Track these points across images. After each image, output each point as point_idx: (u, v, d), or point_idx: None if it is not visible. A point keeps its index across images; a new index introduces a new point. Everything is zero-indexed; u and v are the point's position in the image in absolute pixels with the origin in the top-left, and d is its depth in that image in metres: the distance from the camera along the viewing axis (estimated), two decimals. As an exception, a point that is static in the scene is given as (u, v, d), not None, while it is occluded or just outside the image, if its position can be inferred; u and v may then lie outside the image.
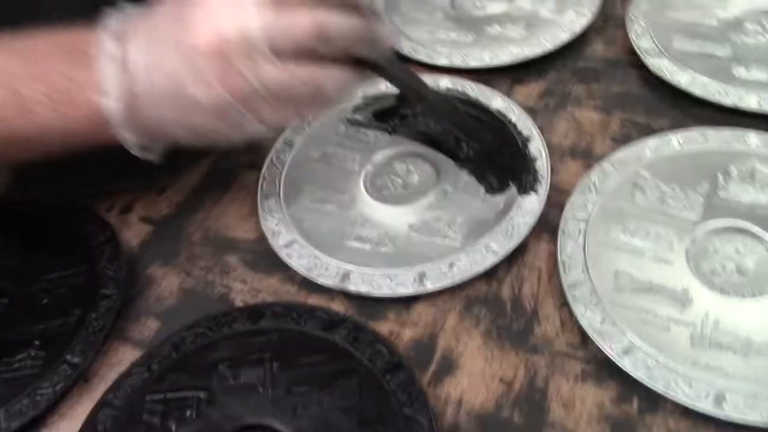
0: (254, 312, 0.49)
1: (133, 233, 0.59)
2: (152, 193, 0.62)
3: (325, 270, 0.52)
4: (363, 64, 0.47)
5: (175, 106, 0.44)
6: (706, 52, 0.62)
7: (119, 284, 0.52)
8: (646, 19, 0.65)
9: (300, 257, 0.53)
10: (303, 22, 0.42)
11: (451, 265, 0.51)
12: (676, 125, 0.58)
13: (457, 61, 0.66)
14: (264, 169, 0.60)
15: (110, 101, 0.43)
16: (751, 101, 0.56)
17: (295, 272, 0.53)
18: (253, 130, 0.45)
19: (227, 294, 0.53)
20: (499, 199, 0.55)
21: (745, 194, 0.51)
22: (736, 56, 0.61)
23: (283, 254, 0.53)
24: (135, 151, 0.47)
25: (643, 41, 0.63)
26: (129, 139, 0.46)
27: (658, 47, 0.62)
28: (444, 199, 0.55)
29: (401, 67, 0.52)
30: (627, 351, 0.44)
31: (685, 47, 0.62)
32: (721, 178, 0.52)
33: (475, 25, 0.70)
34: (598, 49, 0.66)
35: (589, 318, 0.46)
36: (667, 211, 0.51)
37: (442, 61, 0.66)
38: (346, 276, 0.51)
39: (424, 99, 0.54)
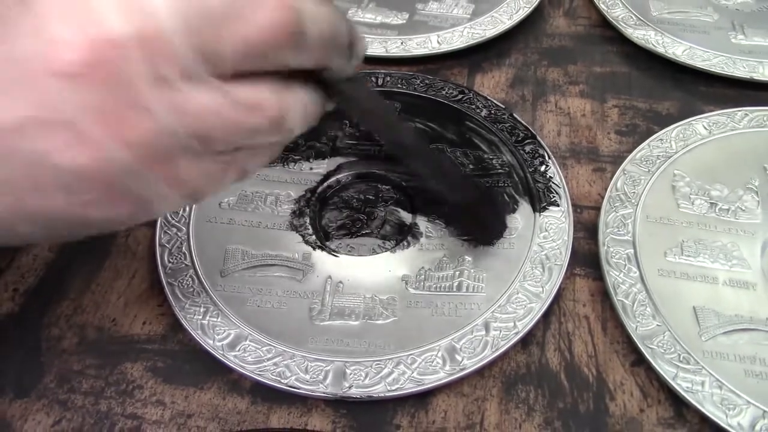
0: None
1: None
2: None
3: (305, 371, 0.34)
4: (323, 84, 0.28)
5: (13, 184, 0.23)
6: (692, 18, 0.52)
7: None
8: (610, -17, 0.55)
9: (258, 359, 0.34)
10: (262, 8, 0.23)
11: (486, 328, 0.36)
12: (685, 108, 0.47)
13: (395, 49, 0.51)
14: (158, 233, 0.40)
15: None
16: (765, 71, 0.47)
17: (240, 375, 0.35)
18: (163, 204, 0.26)
19: (138, 430, 0.34)
20: (511, 220, 0.40)
21: (800, 185, 0.41)
22: (725, 21, 0.52)
23: (231, 359, 0.35)
24: None
25: (616, 10, 0.52)
26: None
27: (635, 16, 0.52)
28: (436, 231, 0.40)
29: (372, 93, 0.34)
30: (754, 423, 0.32)
31: (666, 15, 0.52)
32: (769, 168, 0.42)
33: (403, 2, 0.55)
34: (560, 23, 0.54)
35: (684, 381, 0.34)
36: (722, 218, 0.40)
37: (376, 50, 0.51)
38: (339, 374, 0.34)
39: (398, 143, 0.34)
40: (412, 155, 0.34)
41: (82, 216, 0.24)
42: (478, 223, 0.39)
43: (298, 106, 0.26)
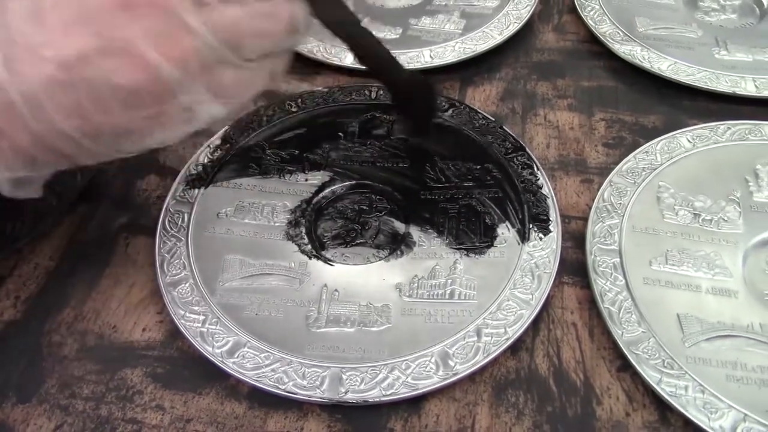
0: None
1: (-40, 360, 0.38)
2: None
3: (303, 377, 0.35)
4: None
5: (77, 103, 0.27)
6: (677, 34, 0.53)
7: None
8: (598, 0, 0.56)
9: (257, 366, 0.35)
10: None
11: (478, 334, 0.37)
12: (670, 121, 0.48)
13: (389, 64, 0.52)
14: (158, 243, 0.41)
15: None
16: (747, 86, 0.49)
17: (238, 380, 0.36)
18: (206, 112, 0.30)
19: (139, 435, 0.35)
20: (501, 229, 0.42)
21: (781, 196, 0.43)
22: (709, 37, 0.53)
23: (230, 366, 0.35)
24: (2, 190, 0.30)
25: (603, 26, 0.54)
26: None
27: (622, 32, 0.53)
28: (429, 240, 0.41)
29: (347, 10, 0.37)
30: (735, 426, 0.33)
31: (651, 30, 0.53)
32: (750, 181, 0.43)
33: (396, 17, 0.56)
34: (549, 39, 0.56)
35: (668, 385, 0.35)
36: (705, 228, 0.41)
37: (370, 64, 0.52)
38: (335, 380, 0.35)
39: (383, 68, 0.40)
40: (367, 55, 0.39)
41: (141, 127, 0.29)
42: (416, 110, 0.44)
43: (302, 12, 0.31)
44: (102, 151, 0.29)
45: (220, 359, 0.36)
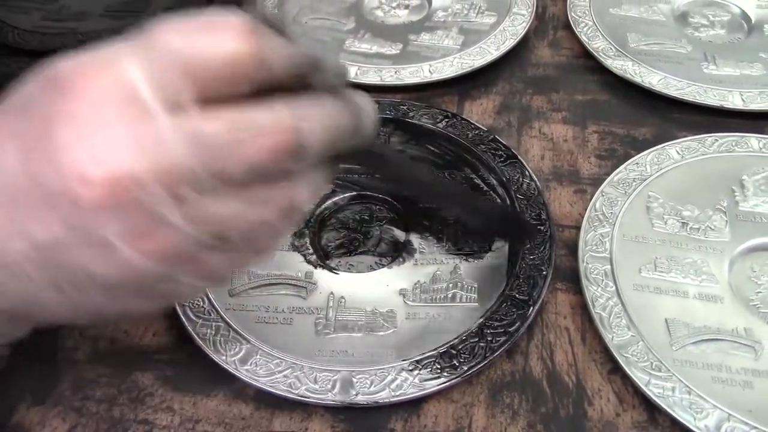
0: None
1: (-21, 363, 0.39)
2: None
3: (315, 381, 0.37)
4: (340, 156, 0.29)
5: (58, 285, 0.25)
6: (667, 49, 0.55)
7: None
8: (591, 17, 0.58)
9: (270, 372, 0.37)
10: (262, 133, 0.24)
11: (480, 334, 0.38)
12: (660, 133, 0.50)
13: (389, 78, 0.54)
14: None
15: None
16: (735, 100, 0.51)
17: (245, 384, 0.38)
18: (190, 293, 0.29)
19: (150, 435, 0.37)
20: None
21: (765, 206, 0.44)
22: (698, 52, 0.55)
23: (243, 373, 0.37)
24: None
25: (596, 42, 0.56)
26: None
27: (614, 47, 0.55)
28: (429, 247, 0.43)
29: (388, 149, 0.36)
30: (719, 425, 0.35)
31: (643, 46, 0.55)
32: (737, 191, 0.45)
33: (397, 33, 0.58)
34: (544, 54, 0.58)
35: (656, 387, 0.36)
36: (693, 236, 0.43)
37: (371, 78, 0.54)
38: (346, 383, 0.37)
39: (422, 188, 0.37)
40: (441, 197, 0.39)
41: (120, 309, 0.27)
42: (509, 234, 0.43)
43: (306, 193, 0.27)
44: (80, 317, 0.28)
45: (234, 367, 0.37)
